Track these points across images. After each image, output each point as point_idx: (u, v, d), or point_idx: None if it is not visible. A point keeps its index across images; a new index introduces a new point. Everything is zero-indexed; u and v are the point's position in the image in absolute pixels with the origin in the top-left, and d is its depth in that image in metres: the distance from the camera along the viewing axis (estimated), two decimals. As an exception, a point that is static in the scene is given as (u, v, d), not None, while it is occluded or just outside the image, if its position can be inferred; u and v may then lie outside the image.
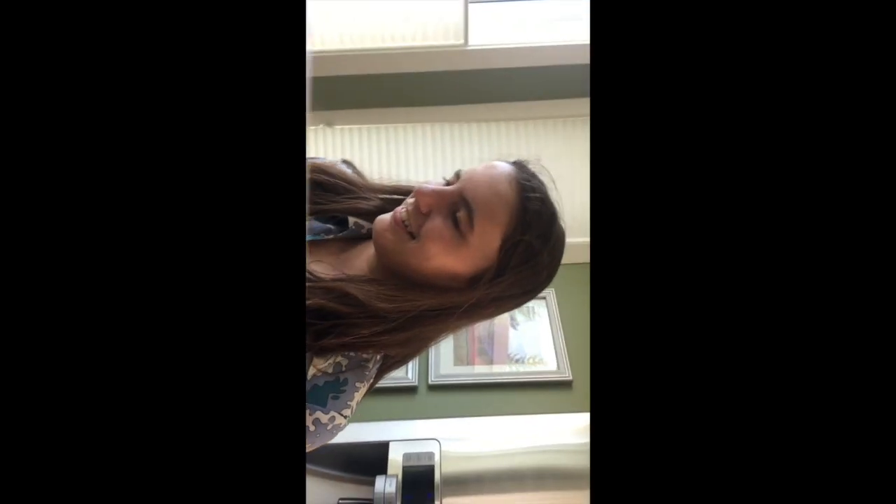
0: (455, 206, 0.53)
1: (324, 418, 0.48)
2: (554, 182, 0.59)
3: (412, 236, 0.53)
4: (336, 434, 0.50)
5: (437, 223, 0.52)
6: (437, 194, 0.53)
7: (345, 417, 0.50)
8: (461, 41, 1.51)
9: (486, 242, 0.53)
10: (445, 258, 0.53)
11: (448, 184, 0.55)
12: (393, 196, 0.62)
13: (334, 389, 0.49)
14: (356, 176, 0.64)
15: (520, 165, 0.58)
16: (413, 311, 0.52)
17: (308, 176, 0.59)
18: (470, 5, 1.46)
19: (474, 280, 0.54)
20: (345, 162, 0.66)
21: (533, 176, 0.58)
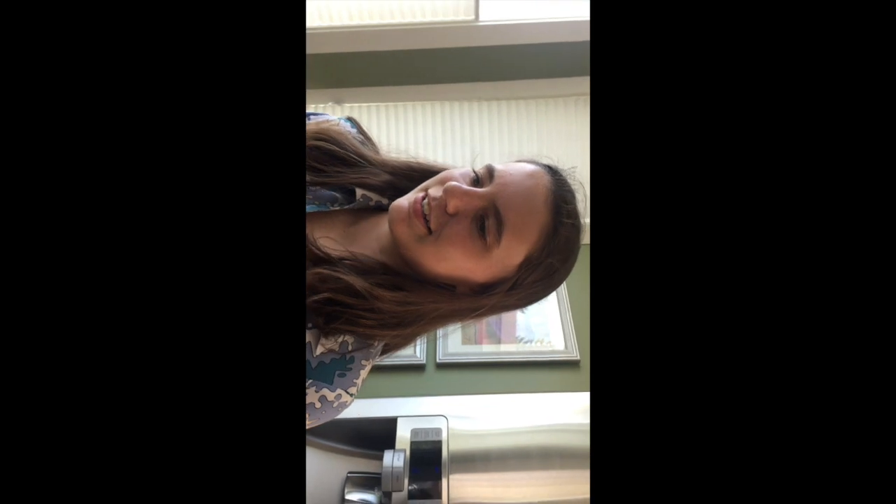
0: (485, 212, 0.50)
1: (330, 396, 0.48)
2: (586, 196, 0.56)
3: (430, 231, 0.50)
4: (341, 411, 0.50)
5: (461, 228, 0.50)
6: (468, 198, 0.50)
7: (350, 395, 0.50)
8: (472, 17, 1.48)
9: (508, 257, 0.51)
10: (462, 263, 0.51)
11: (477, 178, 0.53)
12: (404, 173, 0.59)
13: (341, 367, 0.49)
14: (365, 145, 0.61)
15: (557, 180, 0.54)
16: (421, 313, 0.52)
17: (315, 142, 0.57)
18: (481, -20, 1.43)
19: (487, 288, 0.53)
20: (349, 120, 0.63)
21: (569, 196, 0.54)
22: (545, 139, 1.65)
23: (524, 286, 0.54)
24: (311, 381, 0.47)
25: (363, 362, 0.51)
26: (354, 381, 0.50)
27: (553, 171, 0.55)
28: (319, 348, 0.49)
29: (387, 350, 0.57)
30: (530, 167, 0.54)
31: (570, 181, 0.56)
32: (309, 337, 0.49)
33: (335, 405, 0.49)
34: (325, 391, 0.48)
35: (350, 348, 0.50)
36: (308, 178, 0.56)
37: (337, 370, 0.49)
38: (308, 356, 0.48)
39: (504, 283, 0.53)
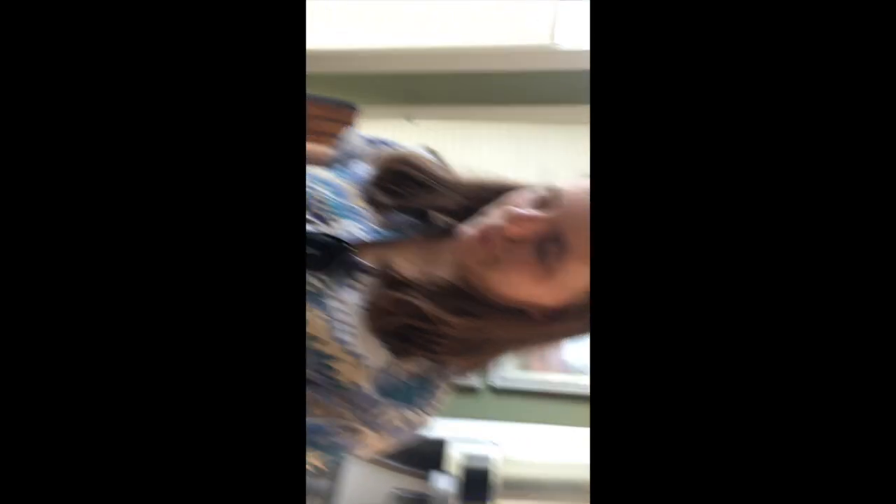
0: (548, 237, 0.49)
1: (412, 417, 0.49)
2: None
3: (497, 259, 0.50)
4: (421, 431, 0.51)
5: (523, 254, 0.49)
6: (529, 223, 0.49)
7: (430, 416, 0.50)
8: (548, 41, 1.49)
9: (575, 281, 0.50)
10: (528, 289, 0.50)
11: (541, 200, 0.51)
12: (478, 194, 0.59)
13: (420, 388, 0.50)
14: (441, 168, 0.62)
15: None
16: (492, 340, 0.52)
17: (392, 165, 0.59)
18: (560, 4, 1.44)
19: (560, 313, 0.52)
20: (428, 150, 0.64)
21: None
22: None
23: None
24: (394, 402, 0.49)
25: (441, 383, 0.51)
26: (433, 402, 0.51)
27: None
28: (399, 370, 0.50)
29: (463, 372, 0.56)
30: None
31: None
32: (388, 358, 0.50)
33: (416, 424, 0.50)
34: (408, 412, 0.49)
35: (428, 369, 0.51)
36: (385, 200, 0.57)
37: (417, 391, 0.50)
38: (390, 378, 0.49)
39: (575, 308, 0.51)
